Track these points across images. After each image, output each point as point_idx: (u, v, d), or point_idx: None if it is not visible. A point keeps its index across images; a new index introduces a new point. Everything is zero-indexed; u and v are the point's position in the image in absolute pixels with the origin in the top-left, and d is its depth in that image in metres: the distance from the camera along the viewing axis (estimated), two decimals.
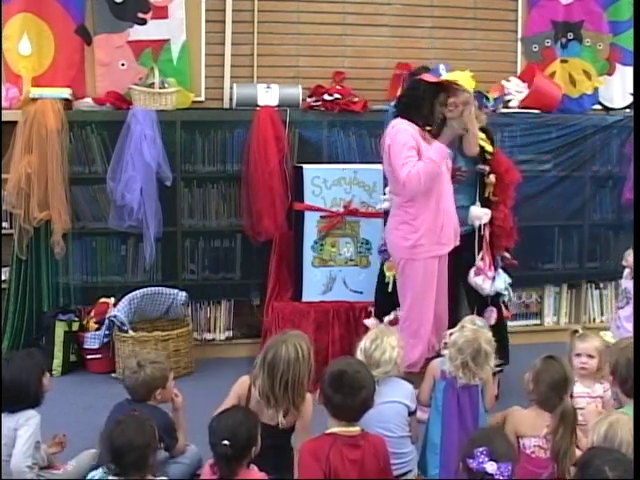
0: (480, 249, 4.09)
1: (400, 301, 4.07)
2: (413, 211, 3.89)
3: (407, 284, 3.98)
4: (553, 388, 2.92)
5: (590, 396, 3.46)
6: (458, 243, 4.02)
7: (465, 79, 3.85)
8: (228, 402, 3.06)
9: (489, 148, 4.10)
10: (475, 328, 3.19)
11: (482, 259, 4.09)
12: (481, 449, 2.42)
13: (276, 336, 3.10)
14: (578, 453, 3.15)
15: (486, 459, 2.41)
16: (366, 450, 2.69)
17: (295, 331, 3.16)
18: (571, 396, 2.98)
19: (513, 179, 4.20)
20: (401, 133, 3.81)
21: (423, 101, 3.86)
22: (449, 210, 3.94)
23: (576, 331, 3.61)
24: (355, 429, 2.73)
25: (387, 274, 4.16)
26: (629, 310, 4.23)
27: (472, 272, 4.09)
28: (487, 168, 4.09)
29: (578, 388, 3.47)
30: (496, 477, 2.40)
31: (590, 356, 3.44)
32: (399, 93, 4.15)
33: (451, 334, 3.18)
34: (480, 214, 4.08)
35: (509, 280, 4.20)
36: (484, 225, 4.08)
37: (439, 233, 3.90)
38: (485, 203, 4.12)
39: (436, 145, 3.78)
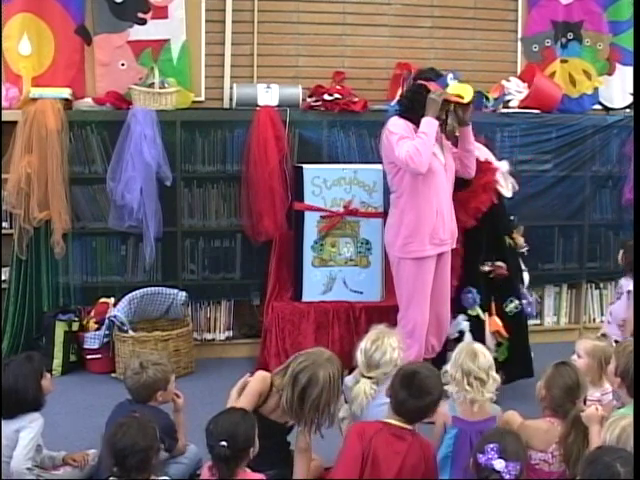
0: None
1: (397, 301, 4.08)
2: (399, 210, 3.93)
3: (401, 283, 4.00)
4: (566, 393, 2.90)
5: (588, 399, 3.47)
6: (454, 245, 4.04)
7: (467, 92, 3.84)
8: (247, 399, 3.01)
9: None
10: (466, 343, 3.19)
11: None
12: (492, 445, 2.44)
13: (309, 356, 3.02)
14: None
15: (495, 455, 2.42)
16: (412, 446, 2.73)
17: (326, 353, 3.06)
18: (584, 402, 2.95)
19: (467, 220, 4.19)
20: (396, 125, 3.86)
21: (412, 103, 3.88)
22: (444, 211, 3.92)
23: (604, 335, 3.63)
24: (407, 425, 2.77)
25: None
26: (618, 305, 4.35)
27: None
28: None
29: None
30: (503, 475, 2.40)
31: (578, 355, 3.46)
32: (401, 92, 4.13)
33: (445, 370, 3.09)
34: None
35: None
36: None
37: (430, 233, 3.88)
38: None
39: (425, 120, 3.77)
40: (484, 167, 4.18)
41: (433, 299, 4.01)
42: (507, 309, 4.18)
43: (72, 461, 3.25)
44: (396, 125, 3.86)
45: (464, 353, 3.04)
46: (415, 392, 2.75)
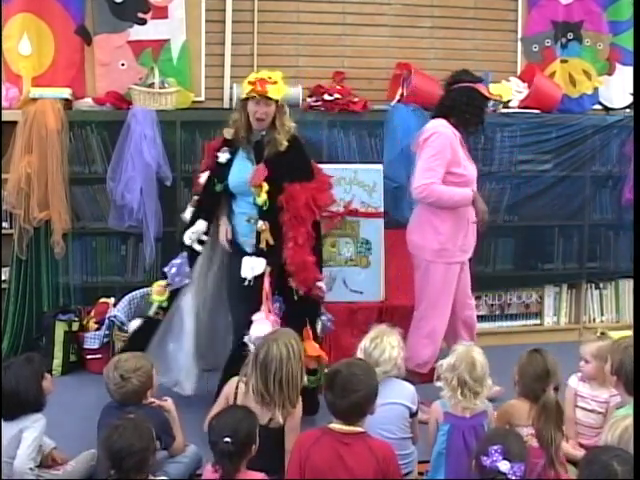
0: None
1: (416, 301, 4.10)
2: (432, 213, 3.96)
3: (427, 286, 4.03)
4: (535, 380, 3.01)
5: (594, 399, 3.48)
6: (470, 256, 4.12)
7: (507, 92, 4.03)
8: (218, 404, 3.15)
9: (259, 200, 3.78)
10: (466, 345, 3.16)
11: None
12: (495, 447, 2.45)
13: (266, 335, 3.14)
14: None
15: (500, 457, 2.43)
16: (358, 449, 2.67)
17: (285, 329, 3.23)
18: (556, 388, 3.01)
19: (310, 215, 3.85)
20: (442, 138, 3.89)
21: (467, 107, 3.95)
22: (471, 220, 4.01)
23: (603, 333, 3.65)
24: (351, 428, 2.72)
25: (155, 299, 3.90)
26: None
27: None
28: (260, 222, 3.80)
29: (586, 390, 3.51)
30: (509, 476, 2.41)
31: (586, 361, 3.46)
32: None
33: (441, 364, 3.11)
34: (254, 264, 3.76)
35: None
36: (263, 275, 3.73)
37: (462, 240, 3.98)
38: (261, 252, 3.78)
39: (466, 195, 3.89)
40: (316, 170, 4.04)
41: (459, 303, 4.10)
42: (318, 328, 3.91)
43: (52, 460, 3.26)
44: (441, 137, 3.89)
45: (464, 363, 3.01)
46: (339, 392, 2.70)
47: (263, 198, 3.76)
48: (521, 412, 3.06)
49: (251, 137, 3.85)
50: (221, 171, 3.91)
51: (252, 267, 3.76)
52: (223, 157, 3.90)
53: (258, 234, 3.80)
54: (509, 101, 3.96)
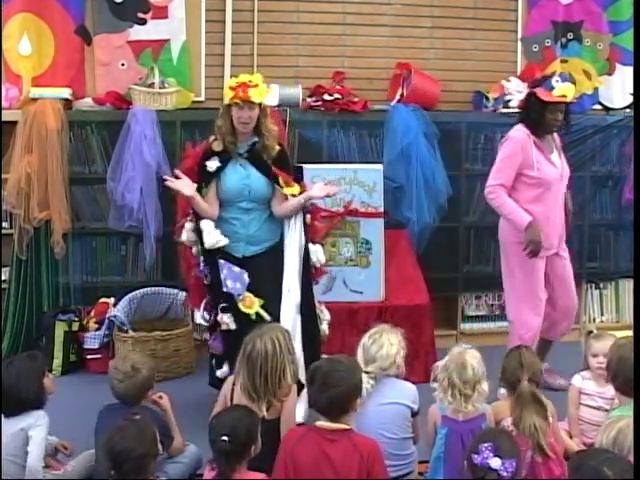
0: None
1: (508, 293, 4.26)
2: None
3: (516, 277, 4.15)
4: (513, 374, 3.07)
5: (601, 396, 3.47)
6: (556, 250, 4.20)
7: (570, 91, 4.09)
8: (219, 403, 3.14)
9: (294, 191, 3.90)
10: (461, 347, 3.14)
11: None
12: (486, 445, 2.45)
13: (254, 331, 3.12)
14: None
15: (490, 454, 2.43)
16: (343, 446, 2.68)
17: (273, 324, 3.28)
18: (537, 384, 3.06)
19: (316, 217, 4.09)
20: (513, 144, 4.09)
21: (526, 111, 4.13)
22: (555, 219, 4.14)
23: (591, 331, 3.66)
24: (336, 425, 2.72)
25: (252, 311, 3.75)
26: None
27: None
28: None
29: (590, 387, 3.51)
30: (500, 472, 2.41)
31: (606, 356, 3.45)
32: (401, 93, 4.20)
33: (437, 366, 3.11)
34: (319, 249, 4.02)
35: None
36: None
37: (543, 237, 4.01)
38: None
39: (521, 218, 3.98)
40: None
41: (559, 295, 4.26)
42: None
43: (63, 448, 3.31)
44: (512, 143, 4.08)
45: (454, 364, 3.00)
46: (318, 387, 2.73)
47: (298, 190, 3.90)
48: (503, 408, 3.10)
49: (238, 143, 3.85)
50: (209, 179, 3.85)
51: (320, 252, 4.00)
52: (213, 165, 3.83)
53: (307, 226, 3.96)
54: (578, 99, 4.21)
